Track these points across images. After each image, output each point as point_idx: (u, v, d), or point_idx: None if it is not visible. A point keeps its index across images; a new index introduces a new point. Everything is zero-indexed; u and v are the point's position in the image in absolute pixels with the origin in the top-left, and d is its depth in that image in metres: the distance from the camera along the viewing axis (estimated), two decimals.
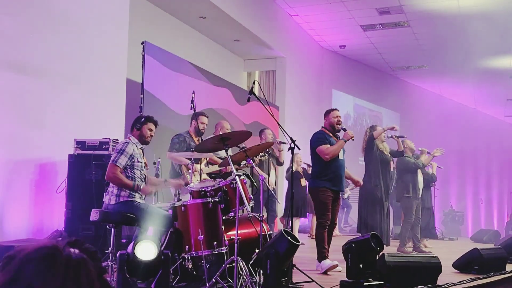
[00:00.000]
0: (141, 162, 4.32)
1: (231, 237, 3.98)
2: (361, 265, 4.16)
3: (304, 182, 8.45)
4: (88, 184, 5.19)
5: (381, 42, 12.64)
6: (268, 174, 7.45)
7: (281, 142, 7.20)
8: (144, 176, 4.41)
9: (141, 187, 4.27)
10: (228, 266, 3.87)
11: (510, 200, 19.32)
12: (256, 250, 4.12)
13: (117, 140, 5.59)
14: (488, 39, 11.35)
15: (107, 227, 4.30)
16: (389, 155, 7.07)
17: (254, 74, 11.97)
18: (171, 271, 3.84)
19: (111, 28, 6.50)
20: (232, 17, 9.17)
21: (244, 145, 4.98)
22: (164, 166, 5.75)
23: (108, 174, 4.18)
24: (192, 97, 5.09)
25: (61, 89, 5.83)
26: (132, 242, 3.45)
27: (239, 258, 3.75)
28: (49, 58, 5.72)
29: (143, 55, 6.68)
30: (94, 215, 4.12)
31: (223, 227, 4.12)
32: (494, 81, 14.69)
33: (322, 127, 5.58)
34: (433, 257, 4.78)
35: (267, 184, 6.40)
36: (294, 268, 4.27)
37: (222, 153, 5.40)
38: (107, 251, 4.08)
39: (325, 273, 5.11)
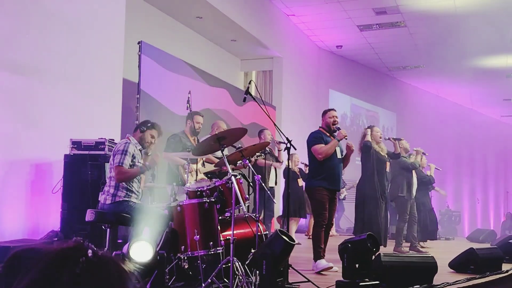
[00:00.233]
0: (140, 163, 4.34)
1: (227, 237, 3.98)
2: (357, 265, 4.16)
3: (301, 182, 8.46)
4: (84, 184, 5.18)
5: (377, 42, 12.65)
6: (267, 174, 7.47)
7: (280, 142, 7.21)
8: (140, 176, 4.42)
9: (147, 163, 4.32)
10: (224, 266, 3.86)
11: (506, 200, 19.38)
12: (252, 250, 4.12)
13: (113, 140, 5.59)
14: (484, 39, 11.38)
15: (103, 227, 4.29)
16: (386, 155, 7.08)
17: (251, 74, 11.96)
18: (167, 271, 3.84)
19: (107, 27, 6.49)
20: (228, 17, 9.17)
21: (240, 145, 4.98)
22: (160, 166, 5.73)
23: (117, 177, 4.20)
24: (188, 97, 5.08)
25: (57, 89, 5.82)
26: (128, 243, 3.45)
27: (235, 258, 3.75)
28: (45, 57, 5.71)
29: (139, 55, 6.66)
30: (89, 215, 4.11)
31: (219, 227, 4.12)
32: (490, 81, 14.72)
33: (319, 127, 5.60)
34: (429, 257, 4.79)
35: (263, 184, 6.39)
36: (290, 268, 4.27)
37: (219, 153, 5.41)
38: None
39: (319, 273, 5.11)
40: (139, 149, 4.39)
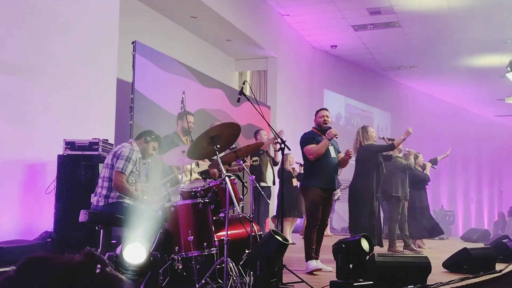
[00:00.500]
0: (138, 170, 4.35)
1: (221, 238, 3.98)
2: (351, 265, 4.17)
3: (295, 182, 8.47)
4: (78, 184, 5.16)
5: (372, 42, 12.68)
6: (263, 176, 7.49)
7: (277, 142, 7.21)
8: (135, 181, 4.42)
9: (144, 198, 4.34)
10: (218, 267, 3.85)
11: (500, 200, 19.48)
12: (246, 251, 4.11)
13: (107, 140, 5.56)
14: (478, 39, 11.44)
15: (96, 228, 4.27)
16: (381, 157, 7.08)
17: (246, 74, 11.96)
18: (161, 272, 3.83)
19: (101, 27, 6.47)
20: (223, 16, 9.16)
21: (234, 146, 4.97)
22: (154, 167, 5.73)
23: (115, 183, 4.17)
24: (182, 97, 5.08)
25: (51, 89, 5.79)
26: (121, 244, 3.44)
27: (229, 259, 3.75)
28: (38, 57, 5.68)
29: (133, 54, 6.64)
30: (83, 216, 4.09)
31: (213, 227, 4.12)
32: (484, 81, 14.79)
33: (312, 127, 5.60)
34: (423, 256, 4.79)
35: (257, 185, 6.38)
36: (284, 268, 4.27)
37: None
38: (96, 253, 4.06)
39: (311, 273, 5.10)
40: (139, 157, 4.40)
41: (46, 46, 5.76)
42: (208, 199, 4.10)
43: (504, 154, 19.50)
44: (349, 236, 4.94)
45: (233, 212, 4.50)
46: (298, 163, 8.68)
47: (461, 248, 5.66)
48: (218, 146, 4.07)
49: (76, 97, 6.06)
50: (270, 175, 7.81)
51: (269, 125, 5.14)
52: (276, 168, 7.98)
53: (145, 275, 3.51)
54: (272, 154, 7.92)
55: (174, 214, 4.08)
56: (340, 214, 12.14)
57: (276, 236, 3.88)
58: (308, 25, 11.84)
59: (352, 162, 7.45)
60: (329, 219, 6.59)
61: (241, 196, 4.44)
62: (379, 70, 15.07)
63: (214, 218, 4.19)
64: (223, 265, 3.73)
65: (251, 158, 6.72)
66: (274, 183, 7.93)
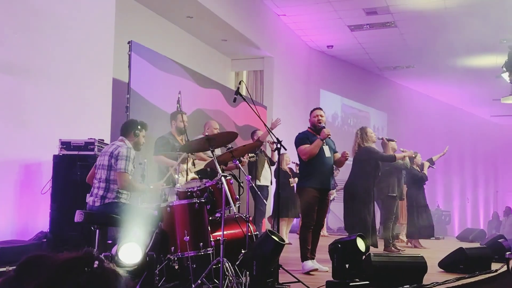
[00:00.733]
0: (135, 168, 4.34)
1: (217, 238, 3.97)
2: (347, 265, 4.17)
3: (292, 182, 8.47)
4: (73, 184, 5.14)
5: (368, 42, 12.70)
6: (258, 173, 7.49)
7: (273, 142, 7.22)
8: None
9: (151, 186, 4.37)
10: (214, 267, 3.86)
11: (496, 199, 19.54)
12: (243, 251, 4.11)
13: (103, 140, 5.55)
14: (474, 39, 11.46)
15: (92, 228, 4.26)
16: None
17: (242, 74, 11.96)
18: (157, 272, 3.82)
19: (97, 27, 6.45)
20: (219, 16, 9.15)
21: (230, 146, 4.97)
22: (150, 167, 5.71)
23: (122, 184, 4.15)
24: (178, 97, 5.07)
25: (47, 89, 5.77)
26: (117, 244, 3.43)
27: (225, 259, 3.75)
28: (34, 57, 5.67)
29: (129, 54, 6.63)
30: (78, 216, 4.08)
31: (209, 227, 4.11)
32: (480, 81, 14.83)
33: (307, 127, 5.60)
34: (419, 256, 4.80)
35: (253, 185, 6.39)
36: (280, 268, 4.27)
37: (209, 152, 5.39)
38: (94, 251, 4.05)
39: (308, 273, 5.11)
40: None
41: (42, 45, 5.74)
42: (204, 199, 4.10)
43: (499, 154, 19.57)
44: (345, 236, 4.94)
45: (229, 212, 4.50)
46: (294, 162, 8.69)
47: (457, 248, 5.68)
48: (214, 146, 4.09)
49: (72, 97, 6.04)
50: (267, 174, 7.82)
51: (265, 125, 5.15)
52: (273, 168, 7.98)
53: (141, 275, 3.50)
54: (269, 154, 7.93)
55: (170, 214, 4.08)
56: (336, 214, 12.16)
57: (272, 236, 3.88)
58: (304, 25, 11.85)
59: (348, 162, 7.46)
60: (325, 220, 6.60)
61: (237, 196, 4.44)
62: (376, 70, 15.09)
63: (210, 218, 4.19)
64: (219, 265, 3.73)
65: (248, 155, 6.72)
66: (271, 183, 7.95)
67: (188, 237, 3.93)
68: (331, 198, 11.14)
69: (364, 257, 4.40)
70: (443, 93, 16.93)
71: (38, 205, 5.50)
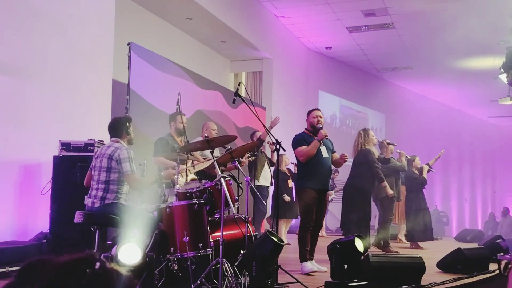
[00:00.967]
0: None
1: (217, 239, 3.99)
2: (345, 266, 4.19)
3: (291, 183, 8.49)
4: (73, 185, 5.15)
5: (366, 43, 12.73)
6: (258, 174, 7.51)
7: (273, 143, 7.25)
8: None
9: (162, 173, 4.38)
10: (213, 267, 3.87)
11: (493, 200, 19.58)
12: (242, 251, 4.13)
13: (103, 141, 5.56)
14: (472, 40, 11.49)
15: (91, 229, 4.28)
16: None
17: (241, 75, 11.98)
18: (156, 273, 3.84)
19: (96, 28, 6.47)
20: (218, 18, 9.18)
21: (229, 147, 4.99)
22: (150, 168, 5.72)
23: (134, 185, 4.20)
24: (178, 99, 5.09)
25: (46, 90, 5.79)
26: (116, 245, 3.44)
27: (224, 259, 3.77)
28: (34, 58, 5.68)
29: (129, 56, 6.65)
30: (78, 217, 4.09)
31: (208, 228, 4.13)
32: (478, 83, 14.87)
33: (305, 128, 5.62)
34: (417, 257, 4.82)
35: (253, 185, 6.42)
36: (279, 269, 4.29)
37: (207, 153, 5.41)
38: (96, 252, 4.06)
39: (307, 274, 5.13)
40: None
41: (42, 46, 5.76)
42: (203, 200, 4.12)
43: (497, 155, 19.62)
44: (344, 237, 4.96)
45: (229, 213, 4.52)
46: (293, 163, 8.71)
47: (455, 249, 5.70)
48: (213, 147, 4.12)
49: (72, 98, 6.06)
50: (267, 175, 7.85)
51: (264, 126, 5.17)
52: (273, 169, 8.01)
53: (141, 276, 3.52)
54: (269, 154, 7.96)
55: (169, 215, 4.10)
56: (334, 215, 12.18)
57: (271, 236, 3.90)
58: (303, 27, 11.88)
59: (348, 163, 7.49)
60: (324, 220, 6.62)
61: (237, 197, 4.46)
62: (374, 71, 15.13)
63: (209, 219, 4.21)
64: (219, 265, 3.75)
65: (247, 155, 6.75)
66: (271, 184, 7.97)
67: (187, 238, 3.95)
68: (329, 199, 11.17)
69: (362, 257, 4.42)
70: (441, 94, 16.97)
71: (38, 206, 5.52)
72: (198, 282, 3.75)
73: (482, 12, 10.17)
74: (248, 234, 4.19)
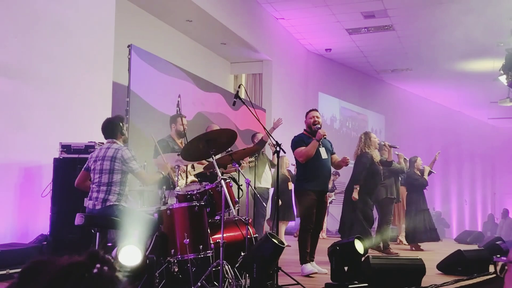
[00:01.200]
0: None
1: (217, 241, 4.00)
2: (345, 268, 4.20)
3: (291, 185, 8.49)
4: (74, 188, 5.13)
5: (366, 45, 12.74)
6: (258, 176, 7.52)
7: (274, 145, 7.25)
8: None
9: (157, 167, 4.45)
10: (214, 269, 3.88)
11: (493, 201, 19.58)
12: (242, 253, 4.14)
13: (103, 143, 5.56)
14: (471, 43, 11.50)
15: (92, 231, 4.28)
16: (379, 164, 7.10)
17: (241, 77, 11.99)
18: (157, 275, 3.84)
19: (97, 31, 6.48)
20: (218, 20, 9.19)
21: (230, 149, 5.00)
22: (150, 169, 5.73)
23: (145, 181, 4.31)
24: (178, 101, 5.10)
25: (47, 92, 5.80)
26: (116, 247, 3.45)
27: (224, 261, 3.77)
28: (34, 60, 5.69)
29: (129, 58, 6.66)
30: (78, 219, 4.09)
31: (208, 230, 4.14)
32: (477, 84, 14.88)
33: (303, 129, 5.62)
34: (417, 259, 4.83)
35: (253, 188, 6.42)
36: (279, 270, 4.29)
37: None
38: (99, 252, 4.05)
39: (307, 276, 5.13)
40: None
41: (42, 49, 5.77)
42: (204, 202, 4.12)
43: (497, 156, 19.63)
44: (344, 239, 4.97)
45: (229, 215, 4.52)
46: (294, 165, 8.71)
47: (455, 250, 5.70)
48: (213, 149, 4.11)
49: (72, 100, 6.07)
50: (268, 177, 7.85)
51: (264, 128, 5.18)
52: (274, 170, 8.01)
53: (141, 278, 3.52)
54: (270, 156, 7.96)
55: (170, 217, 4.10)
56: (335, 217, 12.18)
57: (272, 238, 3.91)
58: (302, 29, 11.89)
59: (350, 165, 7.50)
60: (324, 222, 6.64)
61: (237, 199, 4.47)
62: (373, 73, 15.14)
63: (210, 220, 4.21)
64: (219, 267, 3.75)
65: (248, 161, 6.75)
66: (272, 186, 7.98)
67: (188, 240, 3.95)
68: (329, 201, 11.17)
69: (363, 259, 4.42)
70: (441, 95, 16.98)
71: (38, 208, 5.52)
72: (199, 284, 3.75)
73: (482, 14, 10.19)
74: (249, 236, 4.20)
